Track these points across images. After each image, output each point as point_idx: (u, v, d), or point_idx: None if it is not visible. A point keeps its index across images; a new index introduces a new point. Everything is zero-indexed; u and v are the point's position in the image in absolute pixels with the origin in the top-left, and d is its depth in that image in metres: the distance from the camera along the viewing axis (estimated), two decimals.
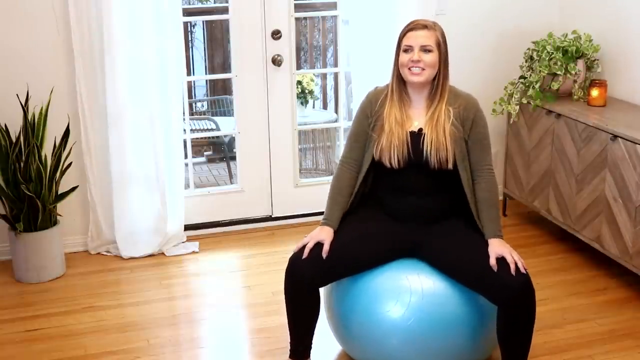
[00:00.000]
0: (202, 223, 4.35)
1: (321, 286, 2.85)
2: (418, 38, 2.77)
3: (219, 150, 6.13)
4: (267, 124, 4.31)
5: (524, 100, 4.12)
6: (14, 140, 3.68)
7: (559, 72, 4.01)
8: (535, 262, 3.92)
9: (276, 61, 4.22)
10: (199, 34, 7.04)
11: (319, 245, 2.79)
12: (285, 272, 2.84)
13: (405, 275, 2.81)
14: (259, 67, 4.22)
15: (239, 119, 4.31)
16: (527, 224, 4.43)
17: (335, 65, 5.04)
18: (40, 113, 3.72)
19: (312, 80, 5.75)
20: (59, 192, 3.80)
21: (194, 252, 4.12)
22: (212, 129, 5.60)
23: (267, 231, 4.40)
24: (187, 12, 5.11)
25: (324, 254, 2.77)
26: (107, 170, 3.97)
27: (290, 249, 4.11)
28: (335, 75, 5.46)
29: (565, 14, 4.48)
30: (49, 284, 3.77)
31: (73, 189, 3.88)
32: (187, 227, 4.26)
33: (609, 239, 3.62)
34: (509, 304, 2.65)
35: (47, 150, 3.76)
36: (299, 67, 6.02)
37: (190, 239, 4.24)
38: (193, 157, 4.53)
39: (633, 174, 3.42)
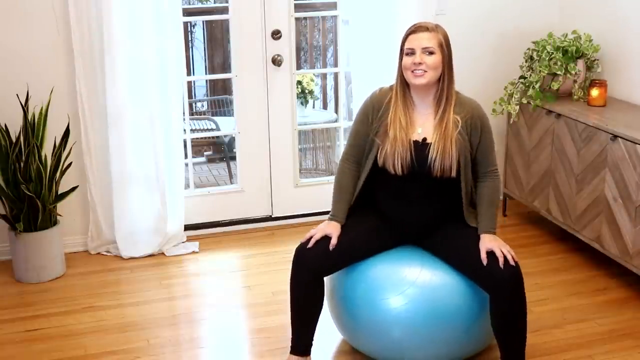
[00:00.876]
0: (202, 223, 4.35)
1: (326, 274, 2.91)
2: (420, 40, 2.77)
3: (219, 150, 6.13)
4: (267, 124, 4.31)
5: (524, 100, 4.12)
6: (14, 140, 3.68)
7: (559, 72, 4.01)
8: (535, 262, 3.92)
9: (276, 61, 4.22)
10: (199, 34, 7.04)
11: (325, 238, 2.85)
12: (292, 262, 2.90)
13: (406, 266, 2.87)
14: (259, 67, 4.22)
15: (239, 119, 4.31)
16: (527, 224, 4.43)
17: (335, 65, 5.04)
18: (40, 113, 3.72)
19: (312, 80, 5.75)
20: (59, 192, 3.80)
21: (194, 252, 4.12)
22: (212, 129, 5.60)
23: (267, 231, 4.40)
24: (187, 12, 5.11)
25: (331, 247, 2.83)
26: (107, 170, 3.97)
27: (290, 249, 4.10)
28: (335, 75, 5.46)
29: (565, 14, 4.47)
30: (49, 284, 3.77)
31: (73, 189, 3.88)
32: (187, 227, 4.26)
33: (609, 239, 3.62)
34: (498, 293, 2.72)
35: (47, 150, 3.76)
36: (299, 67, 6.02)
37: (190, 239, 4.24)
38: (193, 157, 4.53)
39: (633, 174, 3.42)
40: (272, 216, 4.47)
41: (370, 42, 4.16)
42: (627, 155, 3.45)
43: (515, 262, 2.75)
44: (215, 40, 6.68)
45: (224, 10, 4.25)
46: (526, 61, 4.20)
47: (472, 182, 2.92)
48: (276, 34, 4.19)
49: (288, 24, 4.21)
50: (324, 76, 6.45)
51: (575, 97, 4.10)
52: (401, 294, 2.81)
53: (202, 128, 5.66)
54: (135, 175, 3.97)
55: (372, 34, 4.15)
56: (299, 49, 6.22)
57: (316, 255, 2.84)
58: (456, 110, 2.83)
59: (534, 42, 4.19)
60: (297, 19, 4.31)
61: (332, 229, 2.87)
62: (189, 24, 6.74)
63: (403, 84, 2.85)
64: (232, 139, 5.31)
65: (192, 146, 4.47)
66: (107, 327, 3.35)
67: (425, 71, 2.76)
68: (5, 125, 3.69)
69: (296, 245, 2.91)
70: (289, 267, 3.84)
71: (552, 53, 4.03)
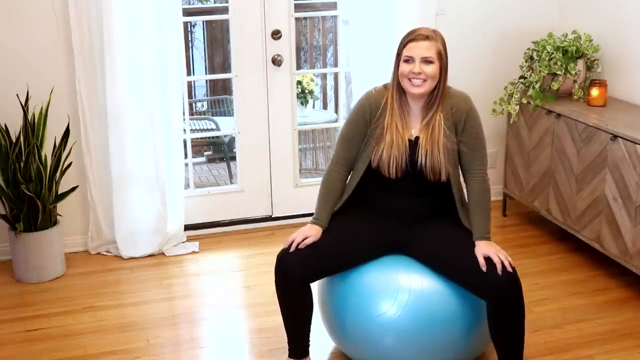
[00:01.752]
0: (202, 223, 4.35)
1: (311, 282, 2.85)
2: (419, 49, 2.73)
3: (219, 150, 6.13)
4: (267, 124, 4.31)
5: (524, 100, 4.12)
6: (14, 140, 3.68)
7: (559, 72, 4.01)
8: (535, 262, 3.92)
9: (276, 61, 4.22)
10: (199, 34, 7.04)
11: (307, 244, 2.81)
12: (275, 270, 2.85)
13: (397, 273, 2.83)
14: (259, 67, 4.22)
15: (239, 119, 4.31)
16: (527, 224, 4.43)
17: (335, 65, 5.04)
18: (40, 113, 3.72)
19: (312, 80, 5.75)
20: (59, 192, 3.80)
21: (194, 252, 4.12)
22: (212, 129, 5.60)
23: (267, 231, 4.40)
24: (187, 12, 5.10)
25: (302, 246, 2.78)
26: (107, 170, 3.97)
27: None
28: (335, 75, 5.46)
29: (565, 14, 4.47)
30: (49, 284, 3.77)
31: (73, 189, 3.88)
32: (187, 227, 4.26)
33: (609, 239, 3.62)
34: (495, 300, 2.68)
35: (47, 150, 3.76)
36: (299, 67, 6.02)
37: (190, 239, 4.24)
38: (193, 157, 4.53)
39: (633, 174, 3.42)
40: (272, 216, 4.47)
41: (370, 42, 4.16)
42: (627, 155, 3.45)
43: (513, 268, 2.71)
44: (215, 40, 6.68)
45: (224, 10, 4.25)
46: (526, 61, 4.20)
47: (460, 174, 2.89)
48: (276, 34, 4.19)
49: (288, 24, 4.21)
50: (324, 76, 6.45)
51: (575, 97, 4.10)
52: (393, 301, 2.77)
53: (202, 128, 5.66)
54: (135, 175, 3.97)
55: (372, 34, 4.15)
56: (299, 49, 6.21)
57: (299, 262, 2.78)
58: (443, 105, 2.80)
59: (534, 42, 4.19)
60: (297, 19, 4.31)
61: (313, 232, 2.83)
62: (189, 24, 6.74)
63: (399, 88, 2.82)
64: (232, 139, 5.31)
65: (192, 146, 4.47)
66: (107, 327, 3.35)
67: (424, 80, 2.74)
68: (5, 125, 3.69)
69: (285, 242, 2.88)
70: None
71: (552, 53, 4.03)
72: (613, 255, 3.62)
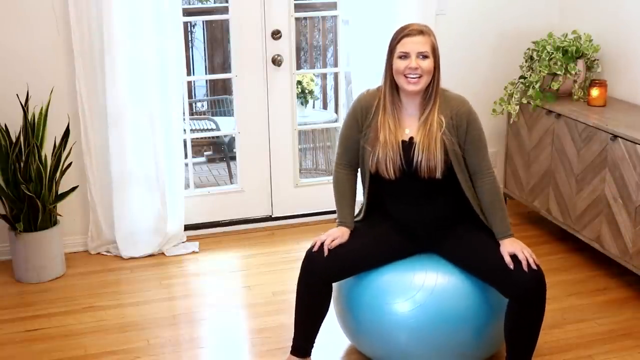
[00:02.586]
0: (202, 223, 4.35)
1: (336, 281, 2.89)
2: (415, 44, 2.72)
3: (219, 150, 6.13)
4: (267, 124, 4.31)
5: (524, 100, 4.12)
6: (14, 140, 3.68)
7: (559, 72, 4.01)
8: None
9: (276, 61, 4.22)
10: (199, 34, 7.04)
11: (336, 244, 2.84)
12: (302, 266, 2.86)
13: (414, 271, 2.85)
14: (259, 67, 4.22)
15: (239, 119, 4.31)
16: (527, 224, 4.43)
17: (335, 65, 5.04)
18: (40, 113, 3.72)
19: (312, 80, 5.75)
20: (59, 192, 3.80)
21: (194, 252, 4.12)
22: (212, 129, 5.60)
23: (267, 231, 4.40)
24: (187, 12, 5.10)
25: (333, 246, 2.80)
26: (107, 170, 3.97)
27: (290, 249, 4.14)
28: (335, 75, 5.46)
29: (565, 14, 4.47)
30: (49, 284, 3.77)
31: (73, 189, 3.88)
32: (187, 227, 4.26)
33: (609, 239, 3.62)
34: (520, 297, 2.68)
35: (47, 150, 3.76)
36: (299, 67, 6.01)
37: (190, 239, 4.24)
38: (193, 157, 4.53)
39: (633, 174, 3.42)
40: (272, 216, 4.47)
41: (370, 42, 4.16)
42: (627, 155, 3.45)
43: (538, 266, 2.71)
44: (215, 40, 6.68)
45: (224, 10, 4.25)
46: (526, 61, 4.20)
47: (467, 171, 2.86)
48: (276, 34, 4.19)
49: (288, 24, 4.21)
50: (324, 76, 6.45)
51: (575, 97, 4.10)
52: (408, 299, 2.79)
53: (202, 128, 5.66)
54: (135, 175, 3.97)
55: (372, 34, 4.15)
56: (299, 49, 6.21)
57: (327, 261, 2.80)
58: (441, 109, 2.78)
59: (534, 42, 4.19)
60: (297, 19, 4.31)
61: (341, 234, 2.85)
62: (189, 24, 6.74)
63: (392, 86, 2.80)
64: (232, 139, 5.31)
65: (192, 146, 4.47)
66: (107, 327, 3.35)
67: (420, 76, 2.73)
68: (5, 125, 3.69)
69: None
70: (289, 267, 3.87)
71: (552, 53, 4.03)
72: (613, 255, 3.62)
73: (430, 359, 2.85)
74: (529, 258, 2.70)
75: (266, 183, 4.41)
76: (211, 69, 6.70)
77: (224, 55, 6.62)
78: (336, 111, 5.42)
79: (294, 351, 2.92)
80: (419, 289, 2.80)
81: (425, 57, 2.72)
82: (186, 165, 4.32)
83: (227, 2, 4.15)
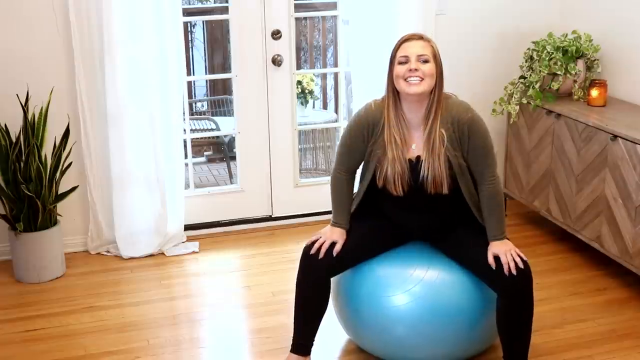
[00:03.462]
0: (202, 223, 4.35)
1: (335, 274, 2.91)
2: (414, 48, 2.69)
3: (219, 150, 6.13)
4: (267, 124, 4.31)
5: (524, 100, 4.12)
6: (14, 140, 3.68)
7: (559, 72, 4.01)
8: (535, 262, 3.90)
9: (276, 61, 4.22)
10: (199, 34, 7.04)
11: (332, 244, 2.87)
12: (300, 262, 2.89)
13: (411, 265, 2.89)
14: (259, 67, 4.22)
15: (239, 119, 4.31)
16: (527, 224, 4.43)
17: (335, 65, 5.04)
18: (40, 113, 3.72)
19: (312, 80, 5.75)
20: (59, 192, 3.80)
21: (194, 252, 4.12)
22: (212, 129, 5.60)
23: (267, 231, 4.40)
24: (187, 12, 5.11)
25: (335, 253, 2.84)
26: (107, 170, 3.97)
27: (290, 249, 4.14)
28: (335, 75, 5.46)
29: (565, 14, 4.47)
30: (49, 284, 3.77)
31: (73, 189, 3.88)
32: (187, 227, 4.26)
33: (609, 239, 3.62)
34: (506, 292, 2.72)
35: (47, 150, 3.76)
36: (299, 67, 6.01)
37: (190, 239, 4.24)
38: (193, 157, 4.53)
39: (633, 174, 3.42)
40: (272, 216, 4.47)
41: (370, 42, 4.16)
42: (627, 155, 3.45)
43: (525, 262, 2.75)
44: (215, 40, 6.68)
45: (224, 10, 4.25)
46: (526, 61, 4.20)
47: (471, 179, 2.86)
48: (276, 34, 4.19)
49: (288, 24, 4.21)
50: (324, 76, 6.45)
51: (575, 97, 4.10)
52: (405, 292, 2.83)
53: (202, 128, 5.66)
54: (135, 175, 3.97)
55: (372, 34, 4.15)
56: (299, 49, 6.21)
57: (325, 257, 2.83)
58: (443, 120, 2.74)
59: (534, 42, 4.19)
60: (297, 19, 4.31)
61: (338, 236, 2.87)
62: (189, 24, 6.73)
63: (394, 97, 2.76)
64: (232, 139, 5.31)
65: (192, 146, 4.47)
66: (107, 327, 3.35)
67: (422, 79, 2.68)
68: (5, 125, 3.69)
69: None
70: (289, 267, 3.87)
71: (552, 53, 4.03)
72: (613, 255, 3.62)
73: (427, 352, 2.89)
74: (510, 262, 2.72)
75: (266, 183, 4.41)
76: (211, 69, 6.70)
77: (224, 55, 6.62)
78: (336, 111, 5.42)
79: (294, 349, 2.93)
80: (416, 282, 2.83)
81: (425, 61, 2.70)
82: (186, 165, 4.32)
83: (227, 2, 4.15)
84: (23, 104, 3.67)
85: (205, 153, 6.24)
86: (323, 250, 2.83)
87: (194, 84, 6.97)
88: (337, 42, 4.79)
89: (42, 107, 3.73)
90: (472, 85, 4.46)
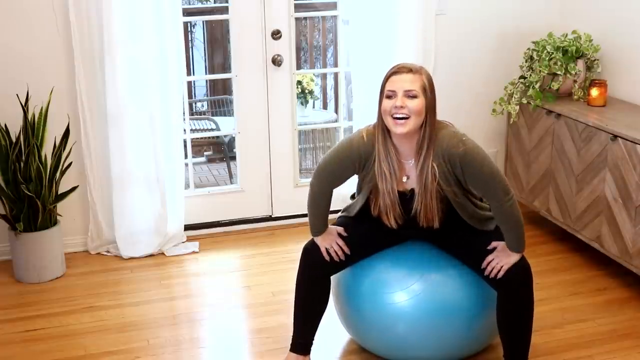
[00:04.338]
0: (202, 223, 4.35)
1: (335, 272, 2.92)
2: (402, 82, 2.57)
3: (219, 150, 6.13)
4: (267, 124, 4.31)
5: (524, 100, 4.12)
6: (14, 140, 3.68)
7: (559, 72, 4.01)
8: (535, 262, 3.89)
9: (276, 61, 4.22)
10: (199, 34, 7.04)
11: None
12: (301, 261, 2.90)
13: (412, 263, 2.90)
14: (259, 67, 4.22)
15: (239, 119, 4.31)
16: (527, 224, 4.39)
17: (335, 65, 5.04)
18: (40, 113, 3.72)
19: (312, 80, 5.75)
20: (59, 192, 3.80)
21: (194, 252, 4.12)
22: (212, 129, 5.60)
23: (267, 231, 4.40)
24: (187, 12, 5.11)
25: (341, 252, 2.86)
26: (107, 170, 3.97)
27: (290, 249, 4.14)
28: (335, 75, 5.46)
29: (565, 14, 4.47)
30: (49, 284, 3.77)
31: (73, 189, 3.88)
32: (187, 227, 4.26)
33: (609, 239, 3.62)
34: (504, 289, 2.73)
35: (47, 150, 3.76)
36: (299, 67, 6.01)
37: (190, 239, 4.24)
38: (193, 157, 4.53)
39: (633, 174, 3.42)
40: (272, 216, 4.47)
41: (370, 42, 4.16)
42: (627, 155, 3.45)
43: (522, 257, 2.76)
44: (215, 40, 6.68)
45: (224, 10, 4.25)
46: (526, 61, 4.20)
47: (472, 205, 2.81)
48: (276, 34, 4.19)
49: (288, 24, 4.21)
50: (324, 76, 6.45)
51: (575, 97, 4.10)
52: (405, 289, 2.84)
53: (202, 128, 5.66)
54: (135, 175, 3.97)
55: (372, 34, 4.15)
56: (299, 49, 6.21)
57: (323, 256, 2.86)
58: (435, 154, 2.65)
59: (534, 42, 4.19)
60: (297, 19, 4.31)
61: (329, 238, 2.87)
62: (189, 24, 6.74)
63: (384, 129, 2.66)
64: (232, 139, 5.31)
65: (192, 146, 4.47)
66: (107, 327, 3.35)
67: (407, 117, 2.57)
68: (5, 125, 3.69)
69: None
70: (289, 267, 3.87)
71: (552, 53, 4.03)
72: (613, 255, 3.62)
73: (427, 350, 2.90)
74: (496, 269, 2.71)
75: (266, 183, 4.41)
76: (211, 69, 6.70)
77: (224, 55, 6.62)
78: (336, 111, 5.43)
79: (293, 348, 2.94)
80: (416, 280, 2.85)
81: (413, 96, 2.57)
82: (186, 165, 4.32)
83: (227, 2, 4.16)
84: (23, 104, 3.67)
85: (205, 153, 6.24)
86: (338, 251, 2.85)
87: (194, 84, 6.97)
88: (337, 42, 4.79)
89: (42, 107, 3.73)
90: (472, 86, 4.47)
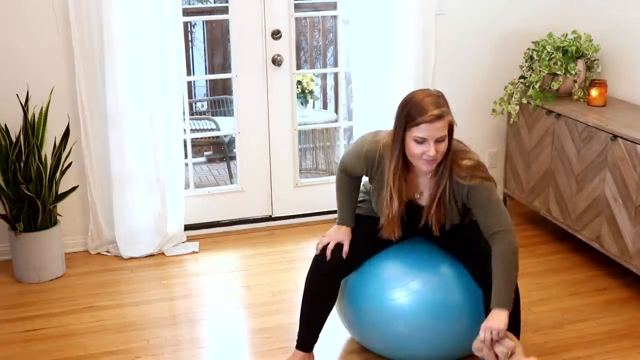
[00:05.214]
0: (202, 223, 4.35)
1: (347, 274, 2.93)
2: (434, 131, 2.56)
3: (219, 150, 6.13)
4: (267, 124, 4.31)
5: (524, 100, 4.12)
6: (14, 140, 3.67)
7: (559, 72, 4.01)
8: (535, 262, 3.92)
9: (276, 61, 4.22)
10: (199, 34, 7.03)
11: (339, 245, 2.87)
12: (310, 269, 2.91)
13: (412, 260, 2.92)
14: (259, 67, 4.22)
15: (239, 119, 4.31)
16: (527, 224, 4.43)
17: (335, 65, 5.04)
18: (40, 113, 3.72)
19: (312, 80, 5.75)
20: (59, 192, 3.80)
21: (194, 252, 4.12)
22: (212, 129, 5.60)
23: (267, 231, 4.40)
24: (187, 12, 5.10)
25: (344, 254, 2.85)
26: (107, 170, 3.97)
27: (290, 249, 4.14)
28: (335, 75, 5.46)
29: (565, 14, 4.47)
30: (49, 284, 3.77)
31: (73, 189, 3.88)
32: (187, 227, 4.25)
33: (609, 239, 3.62)
34: (485, 284, 2.72)
35: (47, 150, 3.76)
36: (299, 67, 6.01)
37: (190, 239, 4.24)
38: (193, 157, 4.53)
39: (633, 174, 3.42)
40: (272, 216, 4.47)
41: (370, 42, 4.16)
42: (627, 155, 3.45)
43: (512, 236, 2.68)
44: (215, 40, 6.68)
45: (224, 10, 4.25)
46: (526, 61, 4.20)
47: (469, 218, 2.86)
48: (276, 34, 4.19)
49: (288, 24, 4.21)
50: (324, 76, 6.44)
51: (575, 97, 4.10)
52: (404, 287, 2.85)
53: (202, 128, 5.66)
54: (135, 175, 3.97)
55: (372, 34, 4.15)
56: (299, 49, 6.21)
57: (334, 261, 2.86)
58: (451, 175, 2.69)
59: (534, 42, 4.19)
60: (297, 19, 4.31)
61: (343, 236, 2.88)
62: (189, 24, 6.73)
63: (403, 160, 2.68)
64: (232, 139, 5.31)
65: (192, 146, 4.47)
66: (107, 327, 3.35)
67: (436, 158, 2.62)
68: (5, 125, 3.69)
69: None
70: (289, 267, 3.88)
71: (552, 53, 4.03)
72: (613, 255, 3.62)
73: (427, 348, 2.90)
74: (487, 342, 2.60)
75: (266, 183, 4.41)
76: (211, 69, 6.70)
77: (224, 55, 6.61)
78: (336, 111, 5.42)
79: (300, 346, 2.94)
80: (416, 277, 2.86)
81: (442, 140, 2.60)
82: (186, 165, 4.32)
83: (227, 2, 4.15)
84: (23, 104, 3.67)
85: (205, 153, 6.23)
86: (329, 252, 2.85)
87: (194, 84, 6.97)
88: (337, 42, 4.79)
89: (42, 107, 3.73)
90: (472, 85, 4.47)
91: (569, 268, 3.88)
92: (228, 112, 6.17)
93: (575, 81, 4.08)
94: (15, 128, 3.72)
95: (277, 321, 3.36)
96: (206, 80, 7.13)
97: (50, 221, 3.77)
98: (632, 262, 3.48)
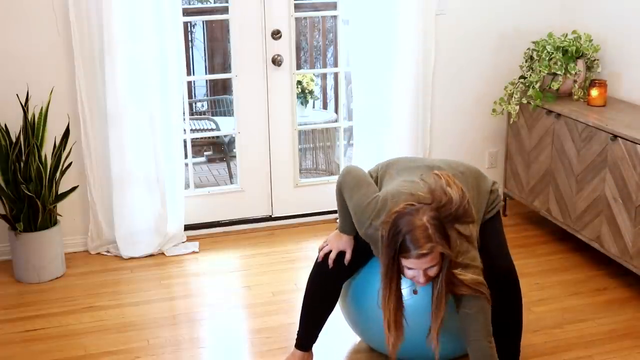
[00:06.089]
0: (202, 223, 4.35)
1: (349, 277, 2.93)
2: (422, 264, 2.53)
3: (219, 150, 6.12)
4: (267, 124, 4.31)
5: (524, 100, 4.12)
6: (14, 140, 3.68)
7: (559, 72, 4.01)
8: (535, 262, 3.92)
9: (276, 61, 4.22)
10: (199, 34, 7.03)
11: (341, 253, 2.87)
12: (311, 273, 2.91)
13: None
14: (259, 67, 4.22)
15: (239, 119, 4.31)
16: (527, 224, 4.43)
17: (335, 65, 5.04)
18: (40, 113, 3.72)
19: (312, 80, 5.75)
20: (59, 192, 3.80)
21: (194, 252, 4.12)
22: (212, 129, 5.59)
23: (267, 231, 4.40)
24: (187, 12, 5.10)
25: (347, 262, 2.85)
26: (107, 170, 3.97)
27: (290, 249, 4.14)
28: (335, 75, 5.46)
29: (565, 14, 4.47)
30: (49, 284, 3.77)
31: (73, 189, 3.88)
32: (187, 227, 4.26)
33: (609, 239, 3.62)
34: (492, 287, 2.66)
35: (47, 150, 3.76)
36: (299, 67, 6.01)
37: (190, 239, 4.24)
38: (193, 157, 4.53)
39: (633, 174, 3.42)
40: (272, 216, 4.47)
41: (370, 42, 4.16)
42: (627, 155, 3.45)
43: (510, 260, 2.75)
44: (215, 40, 6.68)
45: (224, 10, 4.25)
46: (526, 61, 4.20)
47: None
48: (276, 34, 4.19)
49: (288, 24, 4.21)
50: (324, 76, 6.44)
51: (575, 97, 4.10)
52: (408, 287, 2.82)
53: (202, 128, 5.65)
54: (135, 175, 3.97)
55: (372, 34, 4.15)
56: (299, 49, 6.21)
57: (335, 268, 2.86)
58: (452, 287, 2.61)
59: (534, 42, 4.19)
60: (297, 19, 4.31)
61: (345, 244, 2.87)
62: (189, 24, 6.73)
63: (397, 283, 2.62)
64: (232, 139, 5.30)
65: (192, 146, 4.47)
66: (107, 327, 3.35)
67: (427, 281, 2.60)
68: (5, 125, 3.69)
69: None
70: (289, 267, 3.88)
71: (552, 53, 4.03)
72: (613, 255, 3.62)
73: (430, 348, 2.86)
74: None
75: (266, 183, 4.41)
76: (211, 69, 6.70)
77: (224, 55, 6.61)
78: (336, 111, 5.42)
79: (299, 346, 2.95)
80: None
81: (432, 266, 2.54)
82: (186, 165, 4.32)
83: (227, 2, 4.15)
84: (23, 104, 3.67)
85: (205, 153, 6.23)
86: (331, 261, 2.85)
87: (194, 84, 6.97)
88: (337, 42, 4.79)
89: (42, 107, 3.73)
90: (472, 86, 4.47)
91: (569, 268, 3.88)
92: (228, 112, 6.17)
93: (575, 81, 4.08)
94: (15, 128, 3.72)
95: (277, 321, 3.36)
96: (206, 80, 7.13)
97: (50, 221, 3.78)
98: (632, 262, 3.48)
